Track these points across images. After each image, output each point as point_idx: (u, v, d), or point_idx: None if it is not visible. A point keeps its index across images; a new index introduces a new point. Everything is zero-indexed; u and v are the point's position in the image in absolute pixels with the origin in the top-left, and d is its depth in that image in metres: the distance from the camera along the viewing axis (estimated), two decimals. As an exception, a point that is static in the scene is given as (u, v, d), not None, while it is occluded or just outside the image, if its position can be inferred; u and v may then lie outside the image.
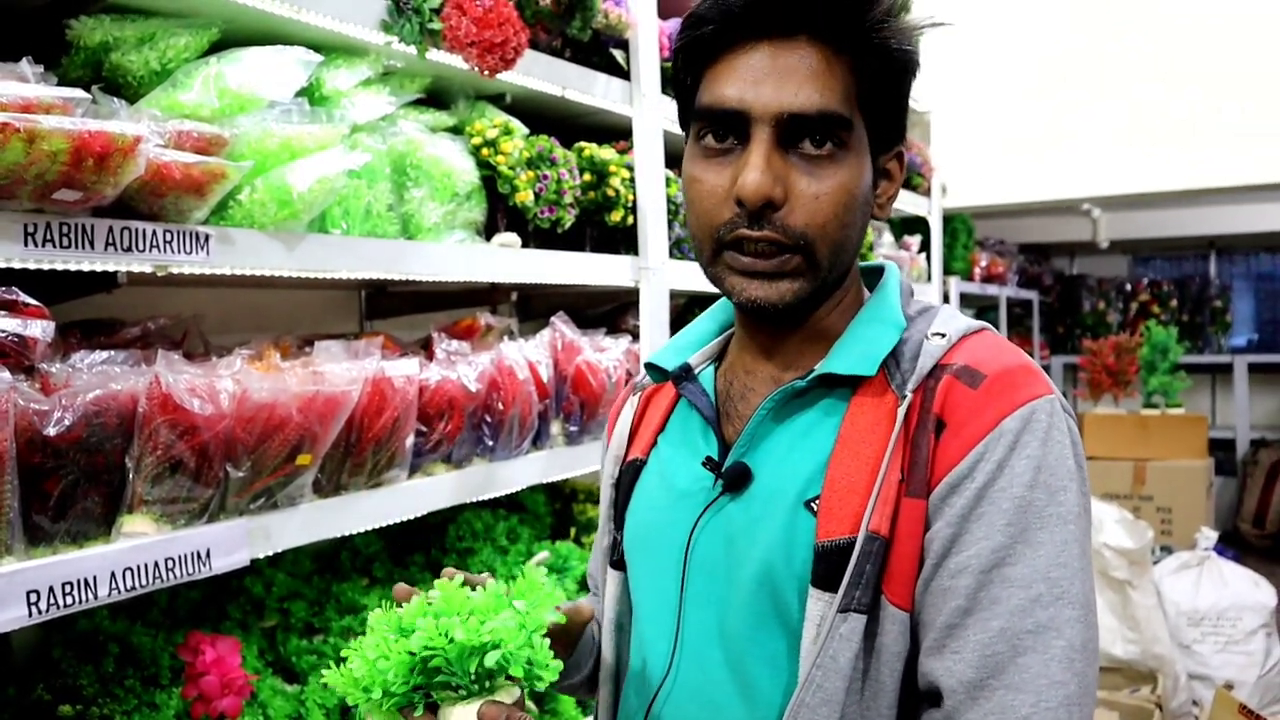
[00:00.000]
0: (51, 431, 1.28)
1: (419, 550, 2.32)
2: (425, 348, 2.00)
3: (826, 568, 0.96)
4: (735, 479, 1.06)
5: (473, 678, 0.93)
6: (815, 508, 0.99)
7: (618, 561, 1.21)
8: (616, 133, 2.50)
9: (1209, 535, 3.95)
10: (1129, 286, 8.66)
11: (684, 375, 1.15)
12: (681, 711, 1.08)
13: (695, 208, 1.03)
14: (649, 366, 1.20)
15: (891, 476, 0.96)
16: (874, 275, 1.16)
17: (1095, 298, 8.68)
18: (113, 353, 1.45)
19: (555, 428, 2.15)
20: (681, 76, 1.06)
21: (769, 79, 0.98)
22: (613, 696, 1.21)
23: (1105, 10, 5.46)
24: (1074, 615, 0.91)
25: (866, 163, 1.02)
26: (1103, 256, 8.79)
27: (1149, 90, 5.42)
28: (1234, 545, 7.46)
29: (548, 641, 0.93)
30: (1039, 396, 0.97)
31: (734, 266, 1.01)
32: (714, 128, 1.01)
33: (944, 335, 1.03)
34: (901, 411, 0.98)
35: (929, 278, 4.82)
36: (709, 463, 1.09)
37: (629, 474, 1.21)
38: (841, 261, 1.03)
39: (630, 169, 2.36)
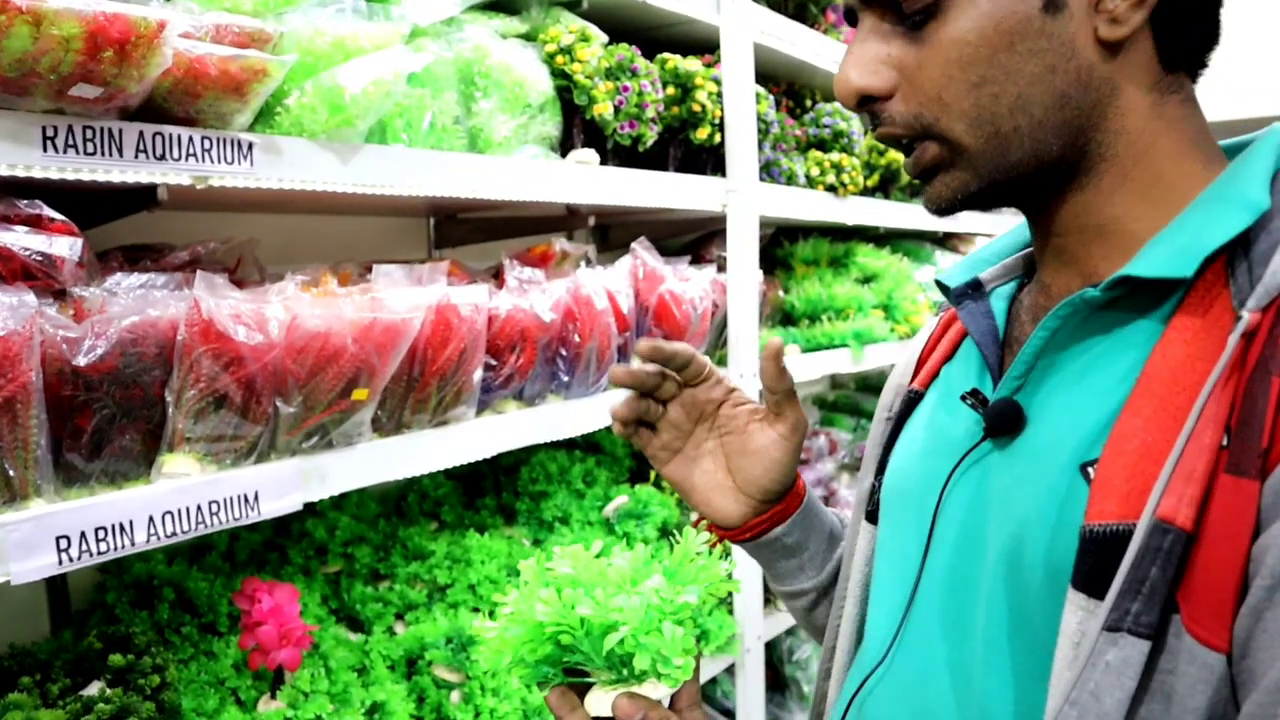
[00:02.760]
0: (82, 361, 1.16)
1: (490, 493, 2.19)
2: (496, 276, 1.84)
3: (1094, 563, 0.68)
4: (1000, 421, 0.80)
5: (608, 662, 0.78)
6: (1092, 474, 0.70)
7: (872, 513, 0.99)
8: (703, 45, 2.30)
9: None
10: None
11: (969, 293, 0.91)
12: (888, 715, 0.87)
13: None
14: (937, 284, 0.96)
15: (1206, 439, 0.65)
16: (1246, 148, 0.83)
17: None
18: (152, 275, 1.31)
19: (636, 363, 1.99)
20: None
21: None
22: (843, 669, 0.99)
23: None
24: None
25: None
26: None
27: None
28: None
29: (680, 631, 0.76)
30: None
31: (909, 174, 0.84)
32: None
33: None
34: (1235, 337, 0.66)
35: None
36: (972, 398, 0.84)
37: (903, 407, 1.00)
38: (1006, 130, 0.77)
39: (718, 83, 2.16)
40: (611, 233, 2.58)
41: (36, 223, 1.16)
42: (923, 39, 0.78)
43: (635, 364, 1.06)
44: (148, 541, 1.17)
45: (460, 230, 2.24)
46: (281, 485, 1.31)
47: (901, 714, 0.85)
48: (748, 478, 1.06)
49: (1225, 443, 0.65)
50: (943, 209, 0.82)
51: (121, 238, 1.49)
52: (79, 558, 1.11)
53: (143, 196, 1.31)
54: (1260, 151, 0.77)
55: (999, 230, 4.03)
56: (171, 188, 1.26)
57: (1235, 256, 0.72)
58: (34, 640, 1.54)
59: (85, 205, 1.31)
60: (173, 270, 1.47)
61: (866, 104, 0.81)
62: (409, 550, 1.91)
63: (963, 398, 0.85)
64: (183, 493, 1.21)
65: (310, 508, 1.78)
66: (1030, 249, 0.94)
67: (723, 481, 1.07)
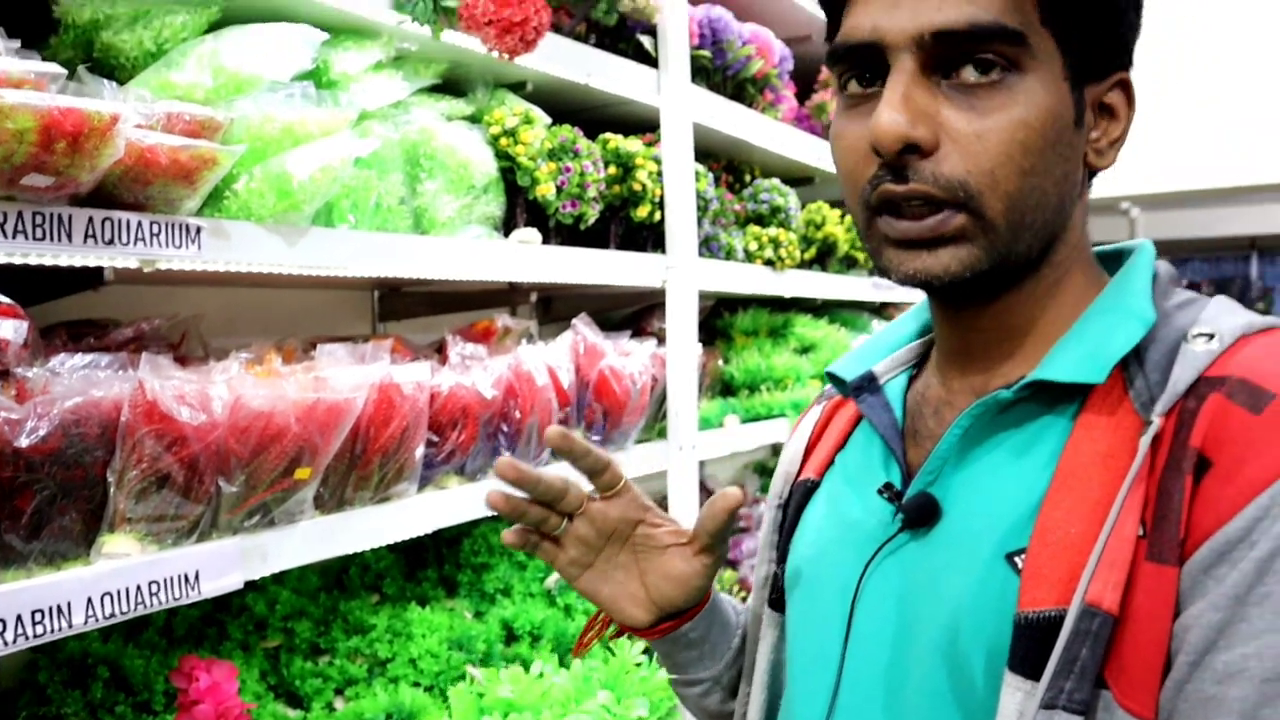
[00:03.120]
0: (24, 443, 1.16)
1: (432, 565, 2.20)
2: (439, 351, 1.87)
3: (1029, 647, 0.73)
4: (918, 514, 0.84)
5: None
6: (1020, 564, 0.76)
7: (776, 600, 1.01)
8: (643, 125, 2.37)
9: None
10: (1166, 289, 8.47)
11: (865, 386, 0.95)
12: None
13: (839, 169, 0.85)
14: (829, 376, 1.00)
15: (1126, 530, 0.71)
16: (1117, 261, 0.91)
17: (1130, 301, 8.51)
18: (95, 356, 1.32)
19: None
20: (826, 14, 0.88)
21: None
22: None
23: (1146, 7, 5.32)
24: None
25: (1059, 92, 0.79)
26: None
27: (1187, 87, 5.26)
28: None
29: None
30: None
31: (888, 236, 0.81)
32: (854, 70, 0.83)
33: (1212, 336, 0.77)
34: (1146, 441, 0.73)
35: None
36: (888, 491, 0.87)
37: (798, 496, 1.01)
38: (1028, 222, 0.80)
39: (658, 162, 2.23)
40: (554, 304, 2.63)
41: (-19, 306, 1.18)
42: (981, 108, 0.78)
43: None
44: (85, 623, 1.17)
45: (404, 303, 2.27)
46: (222, 564, 1.32)
47: None
48: (664, 595, 1.02)
49: (1142, 533, 0.72)
50: (940, 279, 0.81)
51: (66, 313, 1.50)
52: (14, 641, 1.11)
53: (89, 276, 1.33)
54: (1140, 268, 0.85)
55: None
56: (119, 270, 1.28)
57: (1129, 363, 0.79)
58: (-40, 722, 1.52)
59: (31, 283, 1.32)
60: (117, 347, 1.48)
61: (905, 154, 0.79)
62: (350, 624, 1.91)
63: (879, 491, 0.88)
64: (122, 573, 1.21)
65: (251, 582, 1.78)
66: (919, 342, 0.99)
67: (635, 592, 1.03)
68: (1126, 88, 0.85)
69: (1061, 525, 0.75)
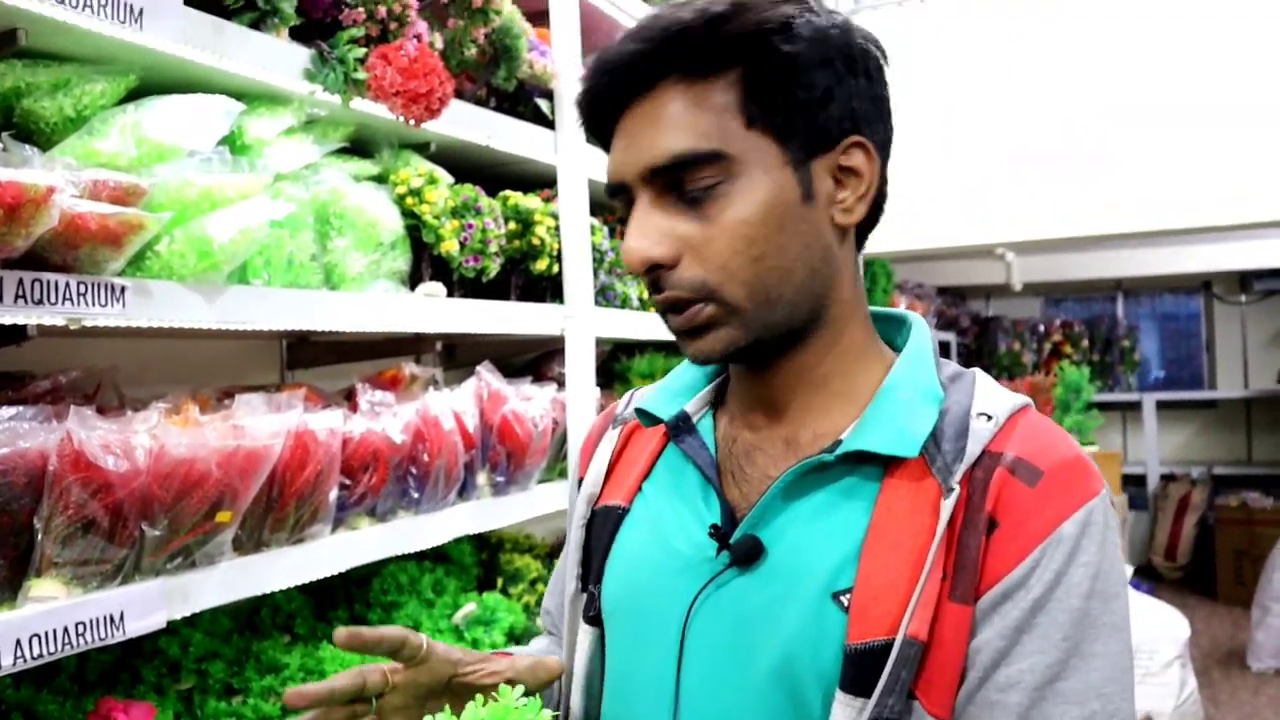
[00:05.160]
0: (-46, 493, 1.23)
1: (343, 605, 2.26)
2: (349, 398, 1.96)
3: (858, 671, 0.88)
4: (745, 554, 0.96)
5: None
6: (846, 603, 0.90)
7: (594, 618, 1.09)
8: (542, 181, 2.51)
9: (1125, 570, 4.04)
10: (1042, 327, 8.91)
11: (681, 425, 1.07)
12: None
13: None
14: (639, 413, 1.11)
15: (935, 576, 0.88)
16: (891, 325, 1.08)
17: (1011, 338, 8.91)
18: (21, 408, 1.39)
19: (482, 478, 2.13)
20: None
21: (636, 138, 0.94)
22: None
23: (1015, 63, 5.65)
24: None
25: (781, 179, 0.92)
26: (1017, 298, 9.03)
27: (1057, 138, 5.60)
28: (1149, 578, 7.66)
29: None
30: (1095, 495, 0.91)
31: (671, 328, 0.98)
32: (619, 201, 1.00)
33: (990, 417, 0.94)
34: (948, 506, 0.89)
35: (850, 321, 4.89)
36: (715, 532, 0.98)
37: (606, 520, 1.11)
38: (774, 297, 0.93)
39: (555, 217, 2.36)
40: (458, 351, 2.72)
41: (-85, 363, 1.24)
42: (706, 216, 0.92)
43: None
44: (14, 664, 1.23)
45: (312, 352, 2.35)
46: (146, 605, 1.39)
47: None
48: None
49: (945, 577, 0.89)
50: (710, 359, 0.97)
51: (-16, 369, 1.56)
52: (-52, 681, 1.17)
53: (15, 332, 1.40)
54: (923, 345, 1.02)
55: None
56: (44, 327, 1.35)
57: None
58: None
59: (-45, 342, 1.39)
60: (35, 399, 1.55)
61: (652, 270, 0.94)
62: (263, 664, 1.97)
63: (710, 531, 0.99)
64: (50, 616, 1.28)
65: (163, 625, 1.83)
66: (714, 384, 1.12)
67: None
68: (864, 146, 0.96)
69: (881, 572, 0.90)
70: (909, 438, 0.93)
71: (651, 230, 0.94)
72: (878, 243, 5.66)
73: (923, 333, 1.04)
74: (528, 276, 2.34)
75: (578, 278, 2.40)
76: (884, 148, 0.99)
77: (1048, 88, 5.70)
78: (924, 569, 0.88)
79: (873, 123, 0.97)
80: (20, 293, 1.26)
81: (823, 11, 0.95)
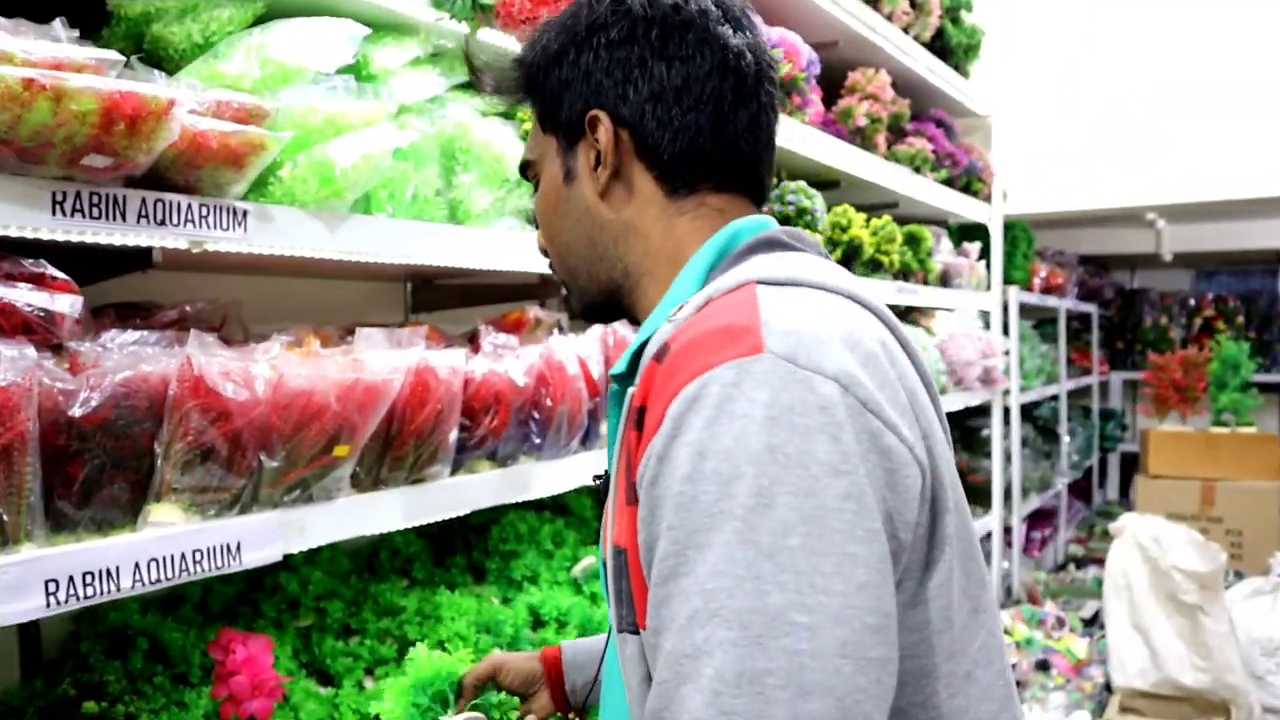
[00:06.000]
0: (77, 412, 1.21)
1: (461, 551, 2.24)
2: (471, 341, 1.92)
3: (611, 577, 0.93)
4: (604, 483, 1.05)
5: None
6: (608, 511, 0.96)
7: None
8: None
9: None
10: (1193, 301, 8.42)
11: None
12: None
13: None
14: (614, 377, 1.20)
15: (621, 481, 0.89)
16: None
17: (1157, 312, 8.45)
18: (145, 333, 1.38)
19: (605, 427, 2.06)
20: None
21: None
22: None
23: (1173, 14, 5.30)
24: (728, 638, 0.75)
25: (552, 169, 1.07)
26: (1165, 270, 8.55)
27: (1216, 95, 5.24)
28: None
29: None
30: (713, 366, 0.81)
31: None
32: None
33: (683, 308, 0.92)
34: (623, 409, 0.91)
35: (988, 286, 4.68)
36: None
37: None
38: (570, 265, 1.09)
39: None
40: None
41: (40, 280, 1.23)
42: None
43: None
44: (133, 587, 1.22)
45: (436, 295, 2.32)
46: (263, 536, 1.36)
47: None
48: None
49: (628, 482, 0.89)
50: (573, 318, 1.10)
51: (112, 296, 1.55)
52: (66, 601, 1.16)
53: (138, 257, 1.38)
54: (695, 260, 1.00)
55: (955, 304, 4.15)
56: (167, 250, 1.33)
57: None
58: (3, 688, 1.57)
59: (83, 264, 1.37)
60: (161, 328, 1.54)
61: None
62: (380, 606, 1.96)
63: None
64: (168, 541, 1.26)
65: (283, 561, 1.83)
66: None
67: None
68: (598, 118, 1.02)
69: (613, 484, 0.94)
70: (626, 355, 0.99)
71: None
72: (1020, 204, 5.41)
73: (706, 249, 1.01)
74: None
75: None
76: (638, 105, 1.01)
77: (1210, 33, 5.32)
78: (613, 477, 0.93)
79: (617, 87, 1.01)
80: (143, 212, 1.24)
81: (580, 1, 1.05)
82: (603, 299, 1.09)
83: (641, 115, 1.00)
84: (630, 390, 0.90)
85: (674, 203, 1.03)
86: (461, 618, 1.94)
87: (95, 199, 1.19)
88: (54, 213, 1.15)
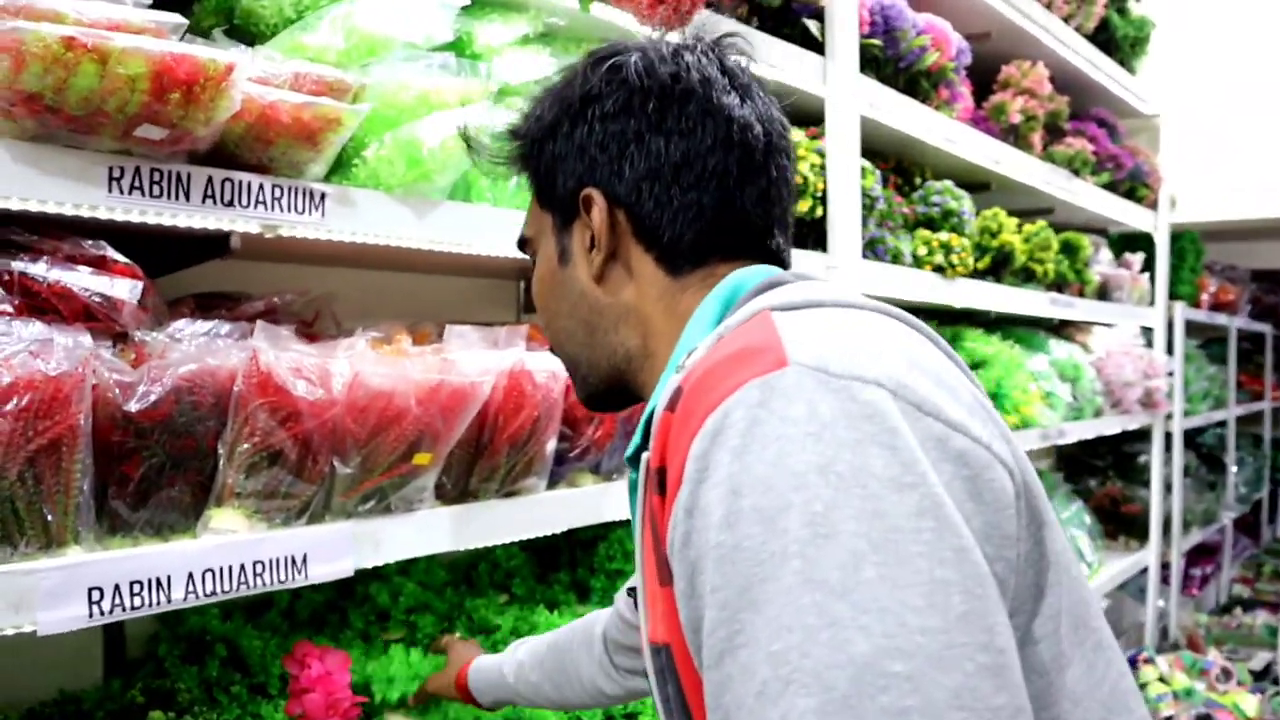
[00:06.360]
0: (135, 407, 1.12)
1: (565, 568, 2.11)
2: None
3: (657, 674, 0.80)
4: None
5: None
6: (637, 601, 0.82)
7: None
8: (806, 116, 2.23)
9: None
10: (1381, 322, 7.71)
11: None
12: None
13: None
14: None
15: (650, 567, 0.76)
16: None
17: (1339, 334, 7.77)
18: (217, 324, 1.28)
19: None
20: None
21: None
22: None
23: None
24: (809, 706, 0.59)
25: (548, 249, 0.99)
26: (1351, 289, 7.86)
27: None
28: None
29: None
30: (738, 386, 0.68)
31: None
32: None
33: (692, 354, 0.80)
34: (640, 482, 0.79)
35: (1151, 300, 4.33)
36: None
37: None
38: (569, 351, 1.01)
39: (821, 155, 2.10)
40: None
41: (100, 263, 1.15)
42: None
43: None
44: (185, 599, 1.12)
45: (549, 295, 2.19)
46: (333, 549, 1.25)
47: None
48: None
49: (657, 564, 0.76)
50: (587, 408, 1.07)
51: (196, 285, 1.47)
52: (111, 612, 1.07)
53: (215, 244, 1.29)
54: (698, 315, 0.88)
55: (1114, 319, 3.84)
56: (245, 237, 1.23)
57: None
58: (85, 687, 1.51)
59: (159, 251, 1.29)
60: (247, 319, 1.44)
61: None
62: (475, 623, 1.84)
63: None
64: (228, 550, 1.16)
65: (375, 570, 1.73)
66: None
67: None
68: (590, 196, 0.93)
69: (642, 567, 0.80)
70: (638, 431, 0.86)
71: None
72: (1189, 212, 5.01)
73: (709, 302, 0.89)
74: (784, 220, 2.08)
75: (844, 224, 2.13)
76: (634, 183, 0.91)
77: None
78: (638, 559, 0.81)
79: (612, 163, 0.92)
80: (209, 192, 1.14)
81: (575, 69, 0.96)
82: (605, 387, 1.00)
83: (638, 194, 0.92)
84: (645, 456, 0.78)
85: (678, 280, 0.94)
86: (559, 640, 1.80)
87: (156, 176, 1.09)
88: (110, 189, 1.06)
